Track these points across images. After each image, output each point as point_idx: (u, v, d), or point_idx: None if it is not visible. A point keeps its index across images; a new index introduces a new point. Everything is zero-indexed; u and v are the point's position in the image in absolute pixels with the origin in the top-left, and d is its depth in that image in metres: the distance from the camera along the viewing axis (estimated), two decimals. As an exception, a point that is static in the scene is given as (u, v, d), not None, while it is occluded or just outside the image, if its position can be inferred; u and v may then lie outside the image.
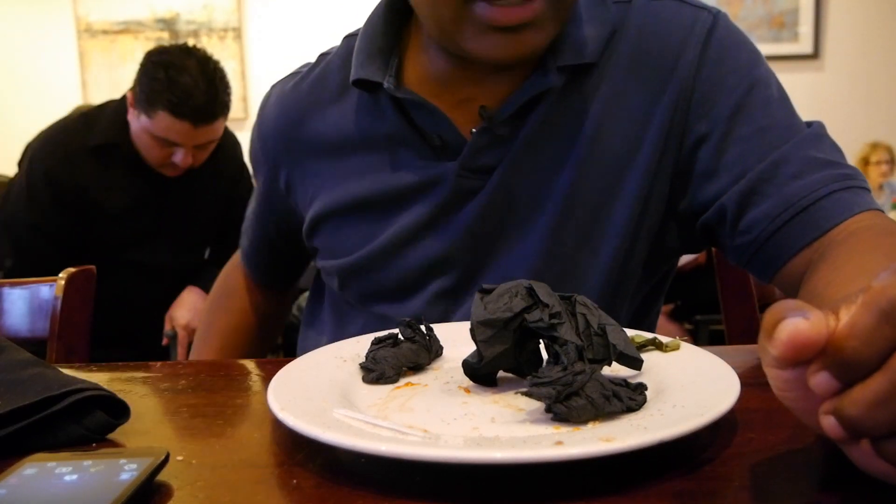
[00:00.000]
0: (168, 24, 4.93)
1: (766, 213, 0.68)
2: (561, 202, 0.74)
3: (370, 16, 0.80)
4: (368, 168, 0.79)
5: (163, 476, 0.42)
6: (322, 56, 0.87)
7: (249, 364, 0.69)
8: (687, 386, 0.47)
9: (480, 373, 0.52)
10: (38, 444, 0.47)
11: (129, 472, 0.40)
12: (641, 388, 0.46)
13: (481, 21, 0.65)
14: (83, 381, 0.51)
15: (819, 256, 0.65)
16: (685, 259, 2.94)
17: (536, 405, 0.47)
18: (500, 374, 0.54)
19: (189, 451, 0.46)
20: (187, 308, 1.83)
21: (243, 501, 0.39)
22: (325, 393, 0.50)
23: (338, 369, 0.56)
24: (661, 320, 2.96)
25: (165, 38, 4.94)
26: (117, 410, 0.50)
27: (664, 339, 0.57)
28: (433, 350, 0.60)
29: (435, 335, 0.61)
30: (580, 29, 0.73)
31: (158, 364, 0.72)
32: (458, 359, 0.56)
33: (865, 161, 4.05)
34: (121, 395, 0.51)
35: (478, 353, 0.51)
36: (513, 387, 0.52)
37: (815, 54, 4.16)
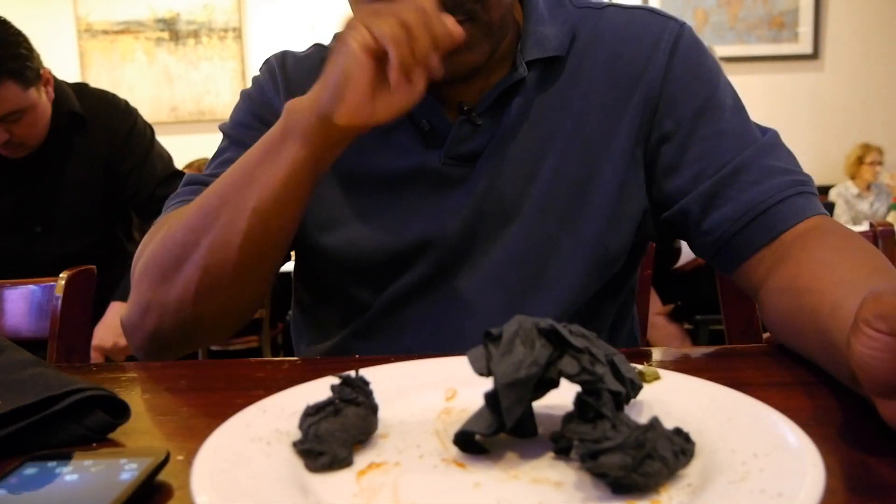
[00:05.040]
0: (168, 24, 4.93)
1: (727, 217, 0.75)
2: (545, 189, 0.80)
3: None
4: (362, 147, 0.81)
5: (163, 476, 0.42)
6: (317, 46, 0.92)
7: (250, 364, 0.70)
8: (727, 428, 0.42)
9: (472, 440, 0.43)
10: (38, 444, 0.47)
11: (129, 472, 0.40)
12: (684, 433, 0.40)
13: None
14: (83, 381, 0.51)
15: (777, 258, 0.72)
16: (685, 259, 2.93)
17: (574, 475, 0.39)
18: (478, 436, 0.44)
19: (189, 451, 0.46)
20: (109, 328, 1.69)
21: (243, 501, 0.39)
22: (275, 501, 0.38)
23: (268, 459, 0.42)
24: (661, 321, 2.98)
25: (165, 38, 4.94)
26: (117, 410, 0.50)
27: (637, 366, 0.49)
28: (377, 412, 0.47)
29: (371, 390, 0.47)
30: (543, 27, 0.81)
31: (158, 364, 0.72)
32: (403, 417, 0.48)
33: (860, 161, 4.08)
34: (121, 395, 0.51)
35: (496, 420, 0.42)
36: (506, 450, 0.43)
37: (814, 54, 4.15)
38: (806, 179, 0.76)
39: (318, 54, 0.89)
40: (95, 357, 1.67)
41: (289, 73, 0.88)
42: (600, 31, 0.83)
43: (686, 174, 0.78)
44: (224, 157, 0.85)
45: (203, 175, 0.84)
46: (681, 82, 0.80)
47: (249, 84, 0.92)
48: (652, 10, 0.85)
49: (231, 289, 0.72)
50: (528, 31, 0.81)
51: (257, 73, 0.92)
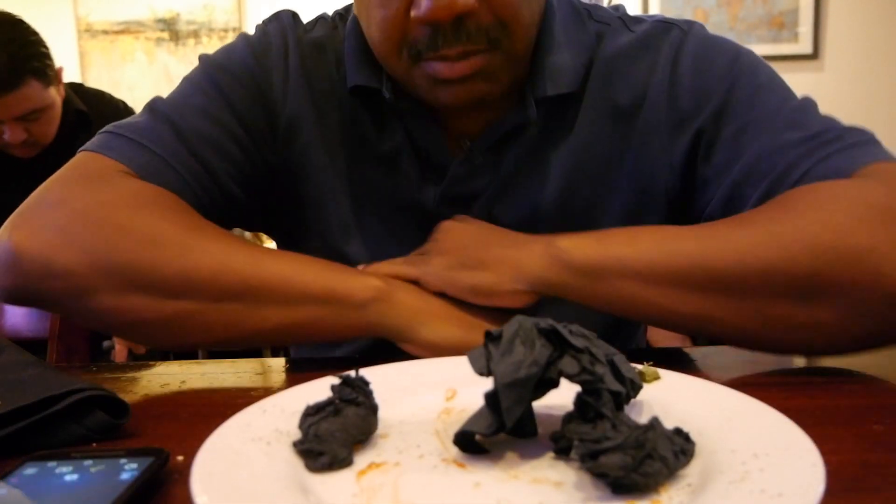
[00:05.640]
0: (168, 24, 4.93)
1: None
2: (547, 229, 0.72)
3: (352, 15, 0.76)
4: (369, 167, 0.77)
5: (163, 476, 0.42)
6: (323, 23, 0.80)
7: (250, 364, 0.69)
8: (727, 428, 0.42)
9: (472, 439, 0.43)
10: (39, 444, 0.47)
11: (129, 472, 0.40)
12: (684, 433, 0.40)
13: (430, 75, 0.66)
14: (83, 381, 0.51)
15: None
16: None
17: (574, 475, 0.39)
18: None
19: (189, 451, 0.46)
20: None
21: (243, 501, 0.39)
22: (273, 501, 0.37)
23: (268, 459, 0.41)
24: (661, 320, 2.97)
25: (165, 38, 4.94)
26: (118, 410, 0.50)
27: (637, 366, 0.50)
28: (377, 412, 0.47)
29: (371, 390, 0.47)
30: (558, 57, 0.72)
31: (158, 364, 0.72)
32: (403, 417, 0.48)
33: None
34: (121, 395, 0.51)
35: (496, 420, 0.41)
36: (506, 450, 0.43)
37: (814, 54, 4.15)
38: (837, 136, 0.64)
39: (330, 38, 0.78)
40: (120, 350, 1.68)
41: (304, 52, 0.77)
42: (608, 53, 0.74)
43: (712, 186, 0.70)
44: (202, 107, 0.72)
45: (178, 120, 0.70)
46: (691, 93, 0.71)
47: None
48: (657, 22, 0.76)
49: (189, 347, 0.65)
50: (540, 61, 0.72)
51: (263, 24, 0.79)
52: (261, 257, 0.63)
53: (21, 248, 0.60)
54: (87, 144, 0.70)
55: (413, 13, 0.63)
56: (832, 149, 0.62)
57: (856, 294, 0.53)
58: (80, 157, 0.68)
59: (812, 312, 0.55)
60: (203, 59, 0.77)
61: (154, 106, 0.73)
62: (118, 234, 0.60)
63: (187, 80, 0.76)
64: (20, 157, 1.65)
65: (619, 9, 0.79)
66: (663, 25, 0.76)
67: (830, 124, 0.66)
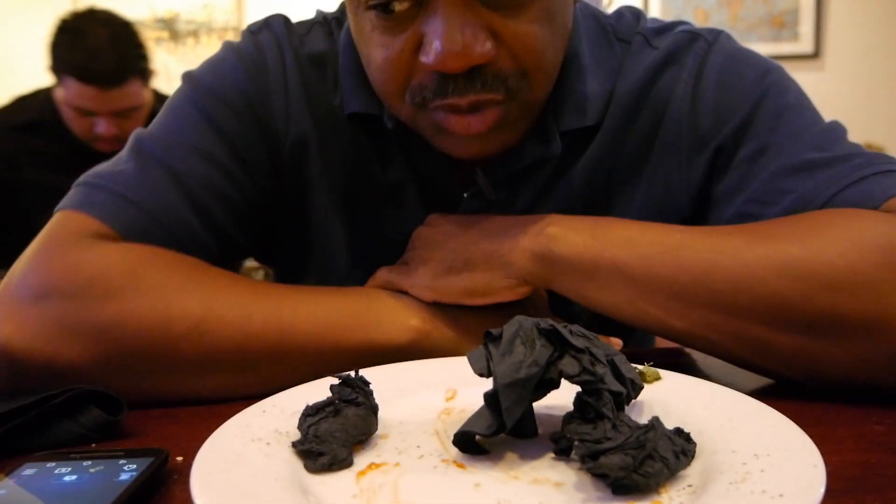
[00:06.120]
0: (168, 24, 4.93)
1: None
2: None
3: (347, 23, 0.69)
4: (374, 199, 0.73)
5: (163, 476, 0.42)
6: (320, 29, 0.73)
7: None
8: (728, 428, 0.42)
9: (471, 440, 0.43)
10: (36, 443, 0.47)
11: (128, 472, 0.40)
12: (685, 433, 0.40)
13: (438, 125, 0.61)
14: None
15: None
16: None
17: (574, 475, 0.39)
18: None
19: (189, 451, 0.46)
20: None
21: (243, 502, 0.39)
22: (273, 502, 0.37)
23: (268, 459, 0.41)
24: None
25: (165, 38, 4.94)
26: (113, 408, 0.50)
27: (637, 366, 0.49)
28: (377, 412, 0.46)
29: (371, 390, 0.47)
30: (584, 85, 0.68)
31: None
32: (403, 418, 0.47)
33: None
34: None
35: (496, 420, 0.41)
36: (506, 450, 0.43)
37: (815, 54, 4.15)
38: (864, 161, 0.60)
39: (328, 52, 0.71)
40: None
41: (303, 68, 0.70)
42: (630, 80, 0.69)
43: (724, 204, 0.66)
44: (195, 145, 0.66)
45: (174, 163, 0.64)
46: (714, 110, 0.67)
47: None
48: (680, 33, 0.71)
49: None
50: (565, 89, 0.67)
51: (252, 34, 0.71)
52: (285, 313, 0.57)
53: (13, 345, 0.53)
54: (65, 201, 0.63)
55: (422, 58, 0.57)
56: (864, 173, 0.59)
57: (869, 345, 0.51)
58: (59, 219, 0.61)
59: (816, 349, 0.52)
60: (188, 80, 0.70)
61: (142, 148, 0.66)
62: (122, 318, 0.54)
63: (174, 110, 0.69)
64: (100, 150, 1.68)
65: (640, 18, 0.74)
66: (688, 36, 0.70)
67: (857, 149, 0.62)
